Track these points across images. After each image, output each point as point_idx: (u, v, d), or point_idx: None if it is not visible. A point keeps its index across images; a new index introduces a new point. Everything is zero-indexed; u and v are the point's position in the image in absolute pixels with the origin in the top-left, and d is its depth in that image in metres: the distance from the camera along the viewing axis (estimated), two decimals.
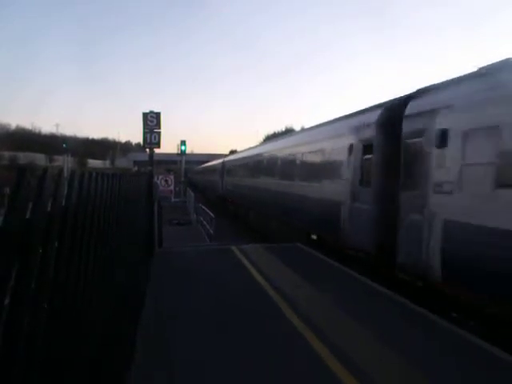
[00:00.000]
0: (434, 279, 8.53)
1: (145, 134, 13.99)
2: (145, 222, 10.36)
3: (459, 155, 8.10)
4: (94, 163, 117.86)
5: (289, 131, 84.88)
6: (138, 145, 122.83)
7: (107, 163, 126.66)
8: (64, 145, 52.51)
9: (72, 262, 2.50)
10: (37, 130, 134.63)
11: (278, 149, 22.26)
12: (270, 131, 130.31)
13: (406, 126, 9.95)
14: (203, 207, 26.70)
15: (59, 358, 2.28)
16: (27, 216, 1.78)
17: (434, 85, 9.88)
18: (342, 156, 13.06)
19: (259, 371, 5.39)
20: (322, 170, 14.98)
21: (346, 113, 14.91)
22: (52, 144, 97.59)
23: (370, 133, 11.60)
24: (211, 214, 22.79)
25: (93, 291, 3.16)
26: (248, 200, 27.90)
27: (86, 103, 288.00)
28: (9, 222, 1.58)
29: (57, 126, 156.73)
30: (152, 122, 13.92)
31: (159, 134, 14.08)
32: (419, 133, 9.36)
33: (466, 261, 7.63)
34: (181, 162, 48.49)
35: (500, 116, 7.14)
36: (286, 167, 20.02)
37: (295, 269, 10.95)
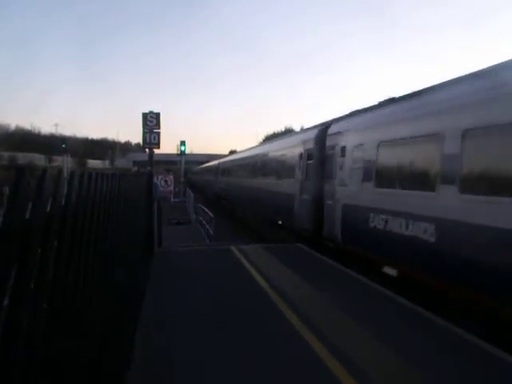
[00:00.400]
0: (339, 242, 12.82)
1: (144, 134, 14.00)
2: (144, 221, 10.37)
3: (349, 162, 12.52)
4: (93, 163, 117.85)
5: (288, 131, 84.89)
6: (137, 145, 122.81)
7: (107, 163, 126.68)
8: (63, 145, 52.43)
9: (71, 261, 2.51)
10: (36, 131, 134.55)
11: (253, 155, 27.93)
12: (270, 131, 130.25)
13: (327, 142, 14.51)
14: (202, 207, 26.70)
15: (59, 357, 2.28)
16: (27, 216, 1.79)
17: (345, 114, 14.65)
18: (295, 161, 17.55)
19: (258, 370, 5.40)
20: (282, 171, 19.94)
21: (301, 129, 24.02)
22: (51, 144, 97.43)
23: (310, 145, 15.95)
24: (210, 214, 22.80)
25: (92, 291, 3.16)
26: (234, 196, 33.26)
27: (85, 103, 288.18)
28: (8, 222, 1.59)
29: (56, 126, 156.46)
30: (152, 122, 13.92)
31: (159, 134, 14.09)
32: (333, 147, 13.88)
33: (352, 229, 12.14)
34: (180, 162, 48.47)
35: (363, 138, 11.88)
36: (258, 169, 25.85)
37: (294, 269, 10.98)
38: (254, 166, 27.03)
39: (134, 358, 5.61)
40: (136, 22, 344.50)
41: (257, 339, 6.37)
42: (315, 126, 17.17)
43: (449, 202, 8.10)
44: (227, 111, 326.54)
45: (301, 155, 16.80)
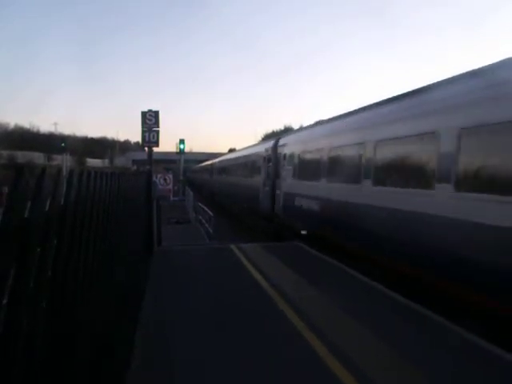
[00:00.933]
0: (282, 217, 19.11)
1: (143, 132, 13.98)
2: (144, 220, 10.36)
3: (286, 164, 18.72)
4: (92, 162, 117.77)
5: (287, 130, 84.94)
6: (136, 144, 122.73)
7: (106, 162, 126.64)
8: (62, 144, 52.45)
9: (70, 260, 2.50)
10: (35, 129, 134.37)
11: (235, 157, 36.28)
12: (269, 130, 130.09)
13: (279, 150, 20.36)
14: (202, 206, 26.70)
15: (58, 357, 2.27)
16: (26, 215, 1.77)
17: (291, 131, 24.70)
18: (261, 163, 23.70)
19: (258, 369, 5.39)
20: (251, 170, 26.90)
21: (267, 137, 37.06)
22: (51, 143, 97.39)
23: (269, 152, 21.95)
24: (210, 213, 22.80)
25: (91, 290, 3.15)
26: (222, 191, 40.66)
27: (84, 102, 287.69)
28: (7, 221, 1.57)
29: (55, 125, 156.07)
30: (151, 120, 13.90)
31: (158, 132, 14.07)
32: (280, 154, 19.97)
33: (289, 208, 17.99)
34: (179, 160, 48.42)
35: (293, 149, 18.18)
36: (235, 169, 34.16)
37: (293, 267, 10.98)
38: (235, 166, 34.74)
39: (134, 358, 5.61)
40: (136, 22, 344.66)
41: (256, 338, 6.36)
42: (273, 137, 24.48)
43: (324, 186, 14.21)
44: (227, 110, 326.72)
45: (264, 159, 22.84)
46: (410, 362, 5.59)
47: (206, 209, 24.73)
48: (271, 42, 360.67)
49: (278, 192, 19.73)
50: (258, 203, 23.62)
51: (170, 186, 27.56)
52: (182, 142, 41.90)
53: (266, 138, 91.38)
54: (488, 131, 7.40)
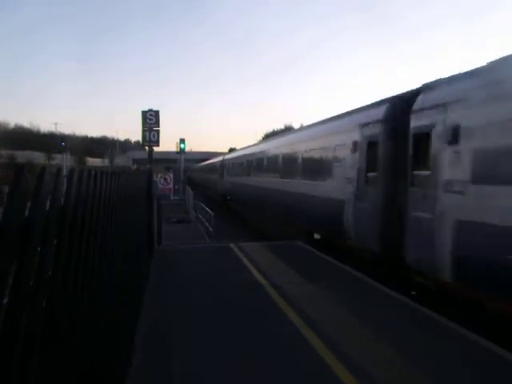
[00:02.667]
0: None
1: (144, 132, 13.98)
2: (144, 220, 10.36)
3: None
4: (92, 161, 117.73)
5: (288, 129, 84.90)
6: (137, 143, 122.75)
7: (106, 161, 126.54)
8: (62, 143, 52.54)
9: (71, 260, 2.49)
10: (35, 129, 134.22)
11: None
12: (269, 129, 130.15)
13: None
14: (202, 205, 26.72)
15: (58, 357, 2.27)
16: (26, 214, 1.77)
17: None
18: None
19: (259, 368, 5.40)
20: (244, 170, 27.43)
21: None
22: (51, 142, 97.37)
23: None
24: (210, 212, 22.81)
25: (91, 290, 3.15)
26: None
27: (84, 101, 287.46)
28: (7, 220, 1.57)
29: (55, 124, 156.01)
30: (151, 120, 13.89)
31: (158, 132, 14.07)
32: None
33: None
34: (179, 160, 48.46)
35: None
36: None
37: (294, 267, 10.99)
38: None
39: (133, 357, 5.62)
40: (135, 20, 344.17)
41: (256, 336, 6.38)
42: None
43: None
44: (226, 109, 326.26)
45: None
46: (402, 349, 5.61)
47: (206, 208, 24.72)
48: (271, 39, 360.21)
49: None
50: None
51: (171, 186, 27.59)
52: (182, 141, 41.98)
53: (266, 137, 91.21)
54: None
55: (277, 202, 19.91)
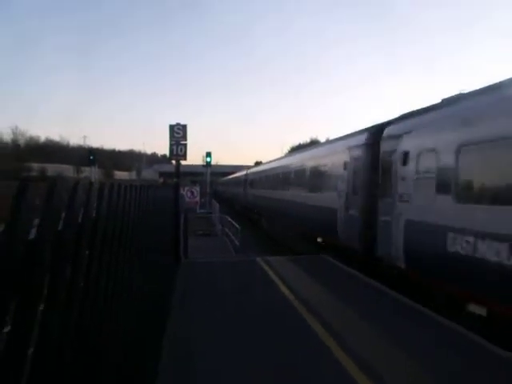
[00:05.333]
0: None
1: (171, 145, 14.08)
2: (171, 233, 10.42)
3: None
4: (120, 175, 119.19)
5: (313, 143, 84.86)
6: (163, 156, 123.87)
7: (133, 174, 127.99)
8: (91, 157, 53.30)
9: (101, 272, 2.53)
10: (65, 142, 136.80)
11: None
12: (295, 142, 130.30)
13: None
14: (229, 218, 26.75)
15: (88, 364, 2.30)
16: (59, 227, 1.81)
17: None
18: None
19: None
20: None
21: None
22: (79, 155, 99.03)
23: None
24: (237, 226, 22.80)
25: (120, 300, 3.18)
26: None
27: (112, 115, 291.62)
28: (41, 232, 1.60)
29: (84, 138, 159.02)
30: (178, 133, 14.01)
31: (185, 145, 14.16)
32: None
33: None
34: (205, 173, 48.65)
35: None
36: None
37: (319, 280, 10.98)
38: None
39: (159, 368, 5.63)
40: (163, 34, 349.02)
41: (283, 350, 6.34)
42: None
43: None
44: (252, 122, 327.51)
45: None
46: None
47: (232, 222, 24.75)
48: (298, 55, 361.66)
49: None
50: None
51: (197, 199, 27.68)
52: (208, 154, 42.09)
53: (292, 150, 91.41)
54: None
55: (287, 210, 23.45)
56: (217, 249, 20.98)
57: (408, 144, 10.49)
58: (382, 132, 12.20)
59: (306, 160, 20.99)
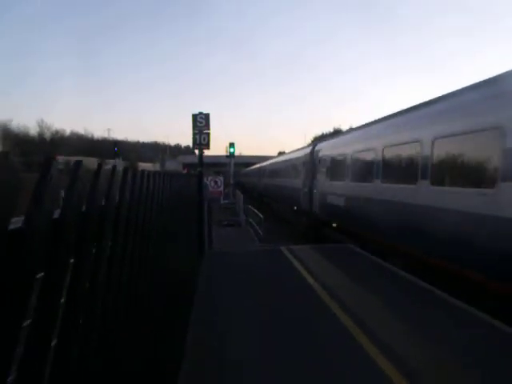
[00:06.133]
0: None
1: (194, 134, 14.07)
2: (195, 222, 10.44)
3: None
4: (144, 166, 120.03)
5: (337, 132, 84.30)
6: (187, 148, 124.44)
7: (157, 166, 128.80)
8: (115, 148, 53.85)
9: (124, 258, 2.52)
10: (90, 135, 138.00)
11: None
12: (318, 132, 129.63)
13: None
14: (253, 208, 26.78)
15: (113, 354, 2.29)
16: (82, 209, 1.80)
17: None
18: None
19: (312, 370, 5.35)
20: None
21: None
22: (104, 148, 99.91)
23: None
24: (260, 215, 22.82)
25: (145, 288, 3.18)
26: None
27: (136, 108, 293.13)
28: (64, 214, 1.59)
29: (108, 130, 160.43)
30: (201, 122, 13.98)
31: (208, 134, 14.13)
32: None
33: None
34: (229, 164, 48.69)
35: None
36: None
37: (345, 269, 10.91)
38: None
39: (185, 359, 5.65)
40: (187, 28, 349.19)
41: (309, 339, 6.31)
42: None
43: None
44: (276, 112, 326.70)
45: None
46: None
47: (256, 211, 24.78)
48: (318, 48, 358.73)
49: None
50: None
51: (221, 189, 27.70)
52: (231, 145, 42.13)
53: (315, 139, 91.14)
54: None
55: (279, 192, 33.89)
56: (241, 238, 21.02)
57: (320, 154, 20.10)
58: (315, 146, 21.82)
59: (285, 159, 33.82)
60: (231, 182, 47.29)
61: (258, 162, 68.69)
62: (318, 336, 6.48)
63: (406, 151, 11.17)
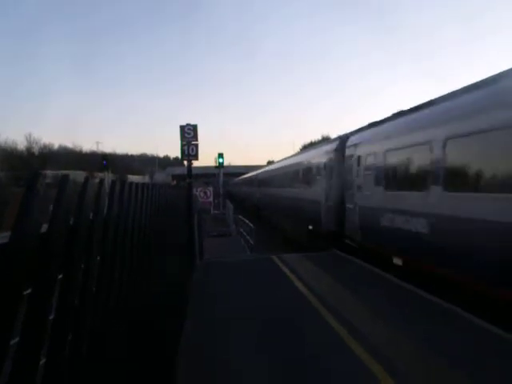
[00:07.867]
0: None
1: (182, 146, 14.08)
2: (185, 234, 10.41)
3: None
4: (133, 178, 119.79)
5: (325, 139, 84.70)
6: (176, 159, 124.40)
7: (146, 178, 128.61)
8: (104, 162, 53.79)
9: (113, 273, 2.50)
10: (78, 149, 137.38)
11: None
12: (307, 140, 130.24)
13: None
14: (242, 218, 26.78)
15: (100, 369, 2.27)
16: (71, 222, 1.78)
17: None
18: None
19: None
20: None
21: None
22: (92, 161, 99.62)
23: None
24: (251, 225, 22.79)
25: (134, 303, 3.15)
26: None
27: (124, 120, 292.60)
28: (52, 228, 1.58)
29: (97, 143, 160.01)
30: (189, 134, 13.99)
31: (197, 146, 14.13)
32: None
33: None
34: (218, 174, 48.74)
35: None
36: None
37: (332, 274, 11.19)
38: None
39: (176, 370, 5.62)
40: (170, 38, 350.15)
41: (300, 345, 6.31)
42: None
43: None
44: (263, 121, 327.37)
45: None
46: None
47: (246, 221, 24.76)
48: (306, 50, 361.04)
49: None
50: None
51: (211, 199, 27.69)
52: (220, 155, 42.10)
53: (304, 148, 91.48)
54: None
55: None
56: (232, 248, 20.99)
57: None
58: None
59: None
60: (221, 192, 47.29)
61: (247, 172, 68.71)
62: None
63: None
